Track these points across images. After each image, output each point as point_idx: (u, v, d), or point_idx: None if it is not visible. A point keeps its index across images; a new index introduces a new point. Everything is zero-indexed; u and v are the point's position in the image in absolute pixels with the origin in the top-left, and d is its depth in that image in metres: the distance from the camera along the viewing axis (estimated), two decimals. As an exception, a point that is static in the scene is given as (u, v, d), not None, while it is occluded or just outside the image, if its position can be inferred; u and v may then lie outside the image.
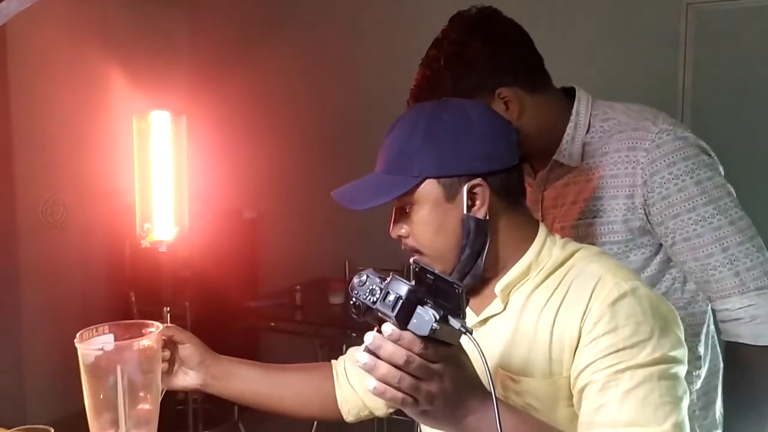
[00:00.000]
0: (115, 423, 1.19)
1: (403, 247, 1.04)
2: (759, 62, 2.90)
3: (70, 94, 3.56)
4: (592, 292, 0.93)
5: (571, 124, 1.28)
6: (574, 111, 1.29)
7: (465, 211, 0.97)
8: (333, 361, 1.30)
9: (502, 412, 0.80)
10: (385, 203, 0.98)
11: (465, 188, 0.97)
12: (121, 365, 1.18)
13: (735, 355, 1.22)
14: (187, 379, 1.26)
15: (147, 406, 1.23)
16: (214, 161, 3.65)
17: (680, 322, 0.95)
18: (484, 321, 1.04)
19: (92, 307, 3.64)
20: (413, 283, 0.78)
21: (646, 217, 1.22)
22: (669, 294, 1.26)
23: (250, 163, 3.87)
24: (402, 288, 0.76)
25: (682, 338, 0.93)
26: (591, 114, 1.29)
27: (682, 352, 0.92)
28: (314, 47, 3.94)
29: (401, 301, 0.76)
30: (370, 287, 0.79)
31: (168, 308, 2.75)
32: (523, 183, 1.07)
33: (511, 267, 1.01)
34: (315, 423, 3.23)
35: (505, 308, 1.01)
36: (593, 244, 1.20)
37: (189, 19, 4.37)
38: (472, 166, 0.97)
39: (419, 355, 0.76)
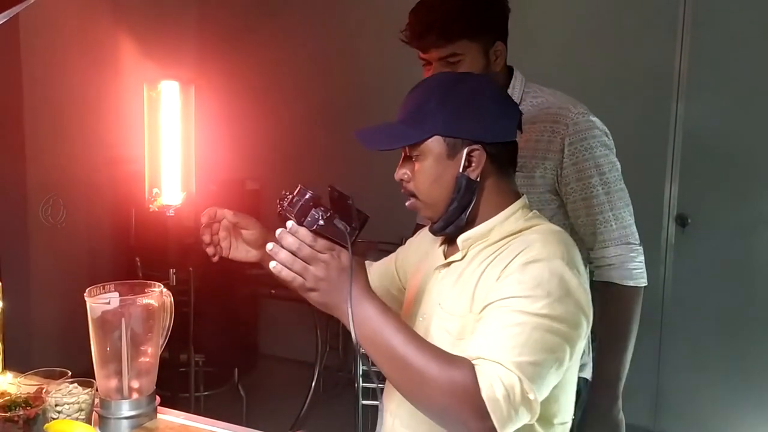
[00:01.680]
0: (119, 373, 1.28)
1: (402, 191, 1.20)
2: (757, 49, 2.90)
3: (79, 63, 3.59)
4: (518, 254, 1.08)
5: None
6: (511, 86, 1.59)
7: (461, 170, 1.13)
8: None
9: (378, 308, 1.01)
10: (395, 148, 1.16)
11: (465, 150, 1.13)
12: (125, 320, 1.27)
13: (606, 293, 1.54)
14: (249, 255, 1.38)
15: (148, 359, 1.32)
16: (219, 131, 3.71)
17: (589, 305, 1.09)
18: (448, 264, 1.20)
19: (98, 271, 3.72)
20: (318, 196, 1.02)
21: (556, 177, 1.54)
22: None
23: (253, 134, 3.92)
24: (305, 195, 1.01)
25: (583, 316, 1.06)
26: (524, 91, 1.60)
27: (573, 323, 1.04)
28: (321, 19, 3.96)
29: (300, 203, 1.01)
30: (289, 198, 1.04)
31: (174, 270, 2.84)
32: (516, 157, 1.22)
33: (479, 225, 1.17)
34: (311, 391, 3.33)
35: (463, 257, 1.18)
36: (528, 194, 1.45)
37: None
38: (476, 133, 1.13)
39: (309, 245, 0.99)
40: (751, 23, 2.91)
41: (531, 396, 0.97)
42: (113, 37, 3.76)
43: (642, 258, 1.56)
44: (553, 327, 1.02)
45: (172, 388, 3.07)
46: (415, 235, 1.46)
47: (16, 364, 1.56)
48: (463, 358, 1.00)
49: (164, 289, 1.34)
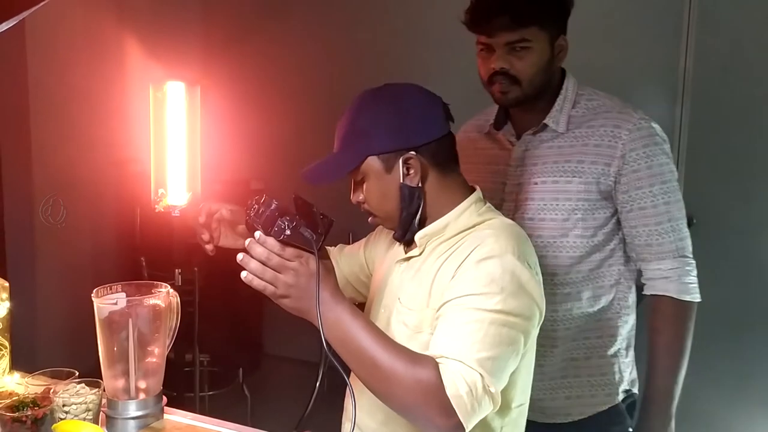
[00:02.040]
0: (126, 373, 1.29)
1: (362, 211, 1.25)
2: (762, 48, 2.89)
3: (85, 64, 3.60)
4: (472, 250, 1.13)
5: (561, 97, 1.53)
6: (564, 87, 1.54)
7: (401, 180, 1.17)
8: None
9: (347, 311, 1.06)
10: (337, 179, 1.19)
11: (400, 161, 1.17)
12: (132, 320, 1.27)
13: (660, 307, 1.50)
14: (237, 243, 1.37)
15: (155, 360, 1.32)
16: (224, 132, 3.72)
17: (541, 296, 1.15)
18: (407, 259, 1.26)
19: (104, 271, 3.73)
20: (284, 205, 1.06)
21: (614, 184, 1.48)
22: (615, 250, 1.54)
23: (258, 134, 3.92)
24: (270, 206, 1.05)
25: (536, 307, 1.13)
26: (578, 93, 1.54)
27: (527, 316, 1.11)
28: (326, 19, 3.96)
29: (266, 214, 1.04)
30: (255, 208, 1.07)
31: (179, 270, 2.85)
32: (455, 150, 1.25)
33: (440, 217, 1.21)
34: (315, 391, 3.34)
35: (421, 253, 1.23)
36: (568, 198, 1.48)
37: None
38: (406, 141, 1.16)
39: (278, 254, 1.03)
40: (758, 22, 2.90)
41: (492, 389, 1.04)
42: (119, 39, 3.77)
43: (695, 272, 1.51)
44: (508, 321, 1.08)
45: (177, 387, 3.08)
46: (377, 231, 1.49)
47: (22, 364, 1.57)
48: (428, 357, 1.05)
49: (171, 290, 1.35)
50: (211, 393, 3.37)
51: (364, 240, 1.52)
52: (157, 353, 1.32)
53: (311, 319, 1.06)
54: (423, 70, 3.91)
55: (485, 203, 1.25)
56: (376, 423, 1.25)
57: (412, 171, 1.17)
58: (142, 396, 1.30)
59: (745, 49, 2.92)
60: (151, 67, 3.67)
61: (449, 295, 1.11)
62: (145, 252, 3.28)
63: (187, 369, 3.12)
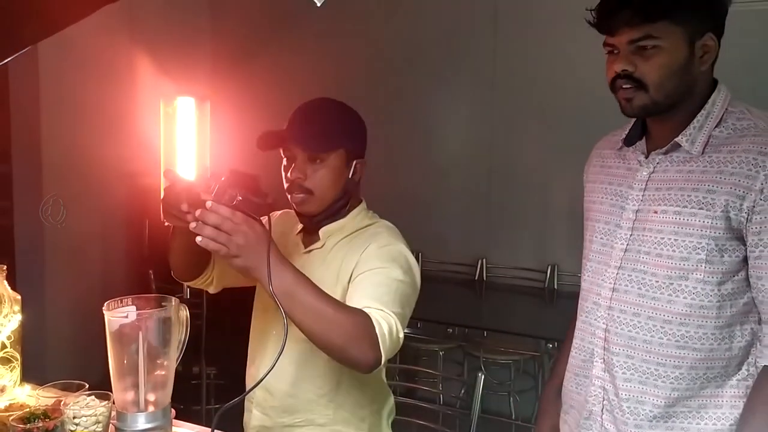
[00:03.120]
0: (136, 386, 1.29)
1: (292, 189, 1.45)
2: (765, 66, 2.90)
3: (97, 80, 3.65)
4: (372, 241, 1.44)
5: (703, 112, 1.28)
6: (710, 100, 1.28)
7: (350, 176, 1.48)
8: None
9: (291, 269, 1.21)
10: (320, 150, 1.44)
11: (355, 163, 1.48)
12: (142, 333, 1.28)
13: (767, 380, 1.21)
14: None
15: (164, 372, 1.33)
16: (233, 146, 3.74)
17: (418, 278, 1.44)
18: (310, 251, 1.51)
19: (112, 284, 3.76)
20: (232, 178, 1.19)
21: (746, 222, 1.21)
22: (751, 305, 1.27)
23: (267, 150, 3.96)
24: (221, 178, 1.19)
25: (417, 285, 1.43)
26: (727, 110, 1.28)
27: (414, 288, 1.41)
28: (333, 35, 4.01)
29: (217, 186, 1.18)
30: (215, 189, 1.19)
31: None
32: None
33: (339, 219, 1.50)
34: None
35: (323, 246, 1.50)
36: (690, 234, 1.24)
37: (210, 8, 4.46)
38: (362, 151, 1.51)
39: (229, 219, 1.15)
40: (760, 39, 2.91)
41: (401, 335, 1.30)
42: (130, 55, 3.81)
43: None
44: (406, 289, 1.38)
45: (184, 400, 3.08)
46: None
47: (32, 376, 1.58)
48: (358, 308, 1.27)
49: (180, 303, 1.36)
50: (217, 406, 3.36)
51: None
52: (167, 366, 1.33)
53: (259, 275, 1.18)
54: (429, 83, 3.94)
55: (369, 210, 1.55)
56: (286, 385, 1.49)
57: (358, 173, 1.49)
58: (151, 408, 1.31)
59: (748, 65, 2.92)
60: (161, 83, 3.71)
61: (360, 269, 1.39)
62: (154, 264, 3.30)
63: (194, 382, 3.12)
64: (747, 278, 1.25)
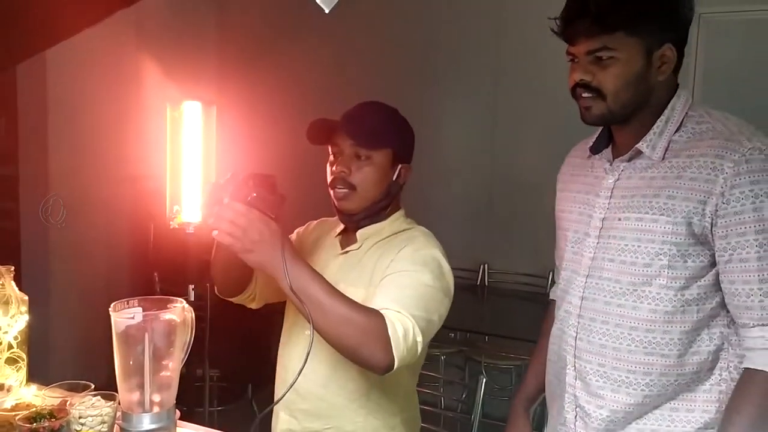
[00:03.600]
0: (141, 386, 1.31)
1: (336, 183, 1.46)
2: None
3: (104, 85, 3.68)
4: (406, 244, 1.44)
5: (663, 117, 1.28)
6: (669, 105, 1.29)
7: (394, 179, 1.49)
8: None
9: (306, 265, 1.23)
10: (373, 145, 1.46)
11: (400, 166, 1.50)
12: (148, 335, 1.30)
13: (751, 384, 1.19)
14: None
15: (169, 374, 1.35)
16: (238, 150, 3.76)
17: (452, 286, 1.43)
18: (346, 252, 1.52)
19: (117, 286, 3.78)
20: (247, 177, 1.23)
21: (711, 227, 1.20)
22: (719, 309, 1.26)
23: (273, 153, 3.97)
24: (238, 177, 1.23)
25: (450, 292, 1.42)
26: (687, 114, 1.29)
27: (445, 294, 1.39)
28: (339, 39, 4.03)
29: (233, 184, 1.21)
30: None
31: (193, 286, 2.87)
32: None
33: (377, 222, 1.51)
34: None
35: (359, 247, 1.50)
36: (652, 240, 1.24)
37: (216, 14, 4.49)
38: (409, 157, 1.53)
39: (244, 215, 1.18)
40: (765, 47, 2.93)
41: (419, 339, 1.28)
42: (137, 60, 3.85)
43: None
44: (435, 294, 1.36)
45: (188, 402, 3.09)
46: (303, 231, 1.68)
47: (38, 376, 1.60)
48: (374, 308, 1.27)
49: (186, 305, 1.37)
50: (220, 408, 3.38)
51: None
52: (172, 367, 1.34)
53: (273, 270, 1.20)
54: (432, 89, 3.96)
55: (407, 218, 1.56)
56: (318, 387, 1.48)
57: (402, 177, 1.51)
58: (156, 409, 1.32)
59: (752, 72, 2.94)
60: (168, 88, 3.74)
61: (390, 271, 1.38)
62: (159, 267, 3.32)
63: (197, 384, 3.13)
64: (714, 283, 1.24)
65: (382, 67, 3.98)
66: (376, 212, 1.50)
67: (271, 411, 1.49)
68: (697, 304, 1.25)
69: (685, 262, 1.23)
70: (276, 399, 1.36)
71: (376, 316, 1.25)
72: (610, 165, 1.35)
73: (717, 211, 1.19)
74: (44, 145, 3.46)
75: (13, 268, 1.57)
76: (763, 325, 1.18)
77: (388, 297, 1.31)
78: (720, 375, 1.27)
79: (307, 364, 1.33)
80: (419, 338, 1.27)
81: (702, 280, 1.24)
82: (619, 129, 1.33)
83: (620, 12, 1.21)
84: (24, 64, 3.32)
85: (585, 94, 1.28)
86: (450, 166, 3.91)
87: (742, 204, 1.17)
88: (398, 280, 1.35)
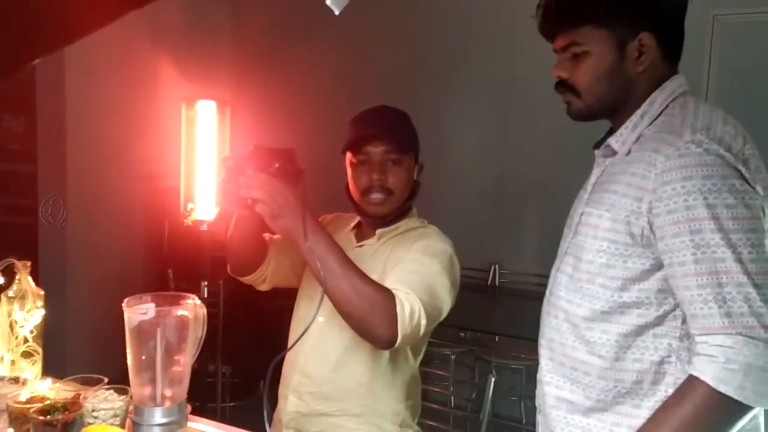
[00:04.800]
0: (153, 381, 1.33)
1: (375, 188, 1.52)
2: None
3: (120, 84, 3.71)
4: (420, 238, 1.52)
5: (638, 112, 1.21)
6: (649, 99, 1.21)
7: (415, 177, 1.57)
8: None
9: (326, 234, 1.30)
10: (400, 147, 1.52)
11: (417, 166, 1.58)
12: (161, 330, 1.32)
13: (690, 387, 1.08)
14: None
15: (181, 369, 1.36)
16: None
17: (458, 281, 1.49)
18: (362, 245, 1.58)
19: (132, 282, 3.81)
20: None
21: (650, 227, 1.12)
22: (667, 319, 1.15)
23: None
24: (258, 151, 1.29)
25: (456, 284, 1.47)
26: (667, 107, 1.20)
27: (453, 284, 1.46)
28: (352, 39, 4.04)
29: (254, 157, 1.28)
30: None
31: (206, 282, 2.90)
32: None
33: (396, 223, 1.57)
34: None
35: (375, 242, 1.57)
36: (595, 237, 1.19)
37: (231, 14, 4.52)
38: (418, 154, 1.58)
39: (270, 183, 1.24)
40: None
41: (423, 322, 1.33)
42: (153, 59, 3.88)
43: None
44: (444, 283, 1.42)
45: (200, 397, 3.12)
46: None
47: (53, 370, 1.62)
48: (385, 286, 1.33)
49: (198, 301, 1.39)
50: (232, 404, 3.40)
51: None
52: (183, 362, 1.36)
53: (297, 236, 1.25)
54: (443, 89, 3.96)
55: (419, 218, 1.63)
56: (327, 370, 1.52)
57: (420, 176, 1.58)
58: (167, 404, 1.34)
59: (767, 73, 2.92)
60: (183, 87, 3.77)
61: (402, 259, 1.46)
62: (173, 264, 3.35)
63: (209, 380, 3.16)
64: (661, 289, 1.14)
65: (394, 68, 3.99)
66: (404, 211, 1.58)
67: (259, 405, 1.51)
68: (638, 308, 1.16)
69: (625, 262, 1.15)
70: (282, 353, 1.46)
71: (387, 292, 1.31)
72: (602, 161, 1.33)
73: (651, 210, 1.11)
74: (62, 143, 3.50)
75: (29, 263, 1.59)
76: (707, 333, 1.07)
77: (398, 280, 1.37)
78: (666, 392, 1.15)
79: (317, 348, 1.51)
80: (423, 321, 1.33)
81: (643, 283, 1.15)
82: (617, 123, 1.27)
83: (583, 5, 1.18)
84: (42, 65, 3.36)
85: (564, 92, 1.26)
86: (461, 166, 3.91)
87: (674, 202, 1.08)
88: (409, 267, 1.42)
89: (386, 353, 1.51)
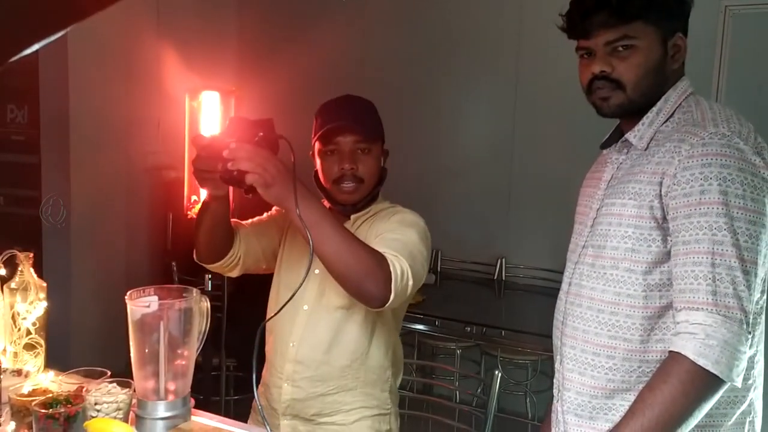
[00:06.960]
0: (156, 374, 1.32)
1: (347, 179, 1.54)
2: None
3: (124, 75, 3.69)
4: (395, 213, 1.57)
5: (654, 109, 1.29)
6: (663, 97, 1.29)
7: (382, 164, 1.61)
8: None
9: (317, 200, 1.32)
10: (370, 137, 1.56)
11: (383, 153, 1.61)
12: (163, 323, 1.31)
13: (674, 363, 1.14)
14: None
15: (184, 362, 1.35)
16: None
17: (430, 254, 1.53)
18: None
19: (135, 275, 3.81)
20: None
21: (666, 207, 1.20)
22: None
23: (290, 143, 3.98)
24: (241, 123, 1.28)
25: (429, 258, 1.50)
26: (680, 105, 1.28)
27: (426, 256, 1.48)
28: (361, 30, 4.02)
29: (238, 129, 1.26)
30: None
31: (210, 276, 2.89)
32: None
33: (366, 208, 1.60)
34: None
35: (351, 225, 1.58)
36: (620, 224, 1.26)
37: (236, 5, 4.49)
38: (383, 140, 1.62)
39: (258, 153, 1.23)
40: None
41: (410, 283, 1.38)
42: (157, 50, 3.86)
43: (745, 350, 1.14)
44: (423, 251, 1.47)
45: (204, 391, 3.12)
46: None
47: (56, 362, 1.61)
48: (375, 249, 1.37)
49: (202, 294, 1.38)
50: (236, 397, 3.40)
51: (267, 216, 1.72)
52: (187, 356, 1.35)
53: (290, 204, 1.25)
54: (450, 83, 3.94)
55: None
56: (320, 354, 1.54)
57: (384, 162, 1.61)
58: (171, 397, 1.33)
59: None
60: (187, 78, 3.75)
61: (383, 230, 1.49)
62: (176, 257, 3.34)
63: (213, 373, 3.16)
64: (665, 271, 1.24)
65: (402, 59, 3.96)
66: (373, 197, 1.61)
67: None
68: (660, 290, 1.23)
69: (649, 246, 1.23)
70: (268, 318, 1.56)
71: (379, 253, 1.35)
72: (616, 158, 1.38)
73: (669, 192, 1.19)
74: (66, 135, 3.49)
75: (32, 254, 1.58)
76: (688, 308, 1.15)
77: (382, 245, 1.40)
78: None
79: (307, 336, 1.55)
80: (410, 282, 1.38)
81: (664, 265, 1.22)
82: (627, 122, 1.33)
83: (637, 1, 1.23)
84: (46, 54, 3.35)
85: (604, 86, 1.28)
86: (469, 160, 3.89)
87: (691, 186, 1.16)
88: (389, 235, 1.46)
89: (373, 323, 1.55)
